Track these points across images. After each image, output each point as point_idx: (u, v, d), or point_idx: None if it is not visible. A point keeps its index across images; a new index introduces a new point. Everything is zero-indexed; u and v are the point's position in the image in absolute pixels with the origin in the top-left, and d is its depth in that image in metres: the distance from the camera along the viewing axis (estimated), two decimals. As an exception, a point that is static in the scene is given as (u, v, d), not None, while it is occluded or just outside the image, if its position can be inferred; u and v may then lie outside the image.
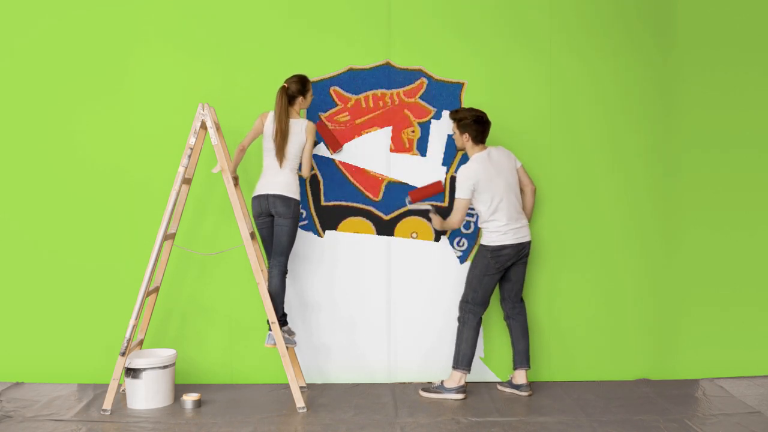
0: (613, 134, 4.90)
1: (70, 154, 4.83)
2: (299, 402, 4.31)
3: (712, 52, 4.90)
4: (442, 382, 4.60)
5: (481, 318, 4.60)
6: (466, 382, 4.58)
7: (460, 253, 4.88)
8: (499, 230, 4.49)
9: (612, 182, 4.90)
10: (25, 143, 4.83)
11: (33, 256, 4.84)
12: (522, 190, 4.64)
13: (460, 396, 4.52)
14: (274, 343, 4.37)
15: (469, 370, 4.56)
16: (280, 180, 4.41)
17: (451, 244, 4.89)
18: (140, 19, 4.80)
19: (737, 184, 4.92)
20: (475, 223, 4.88)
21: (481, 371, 4.87)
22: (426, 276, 4.88)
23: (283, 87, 4.43)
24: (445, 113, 4.81)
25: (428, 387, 4.62)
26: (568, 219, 4.90)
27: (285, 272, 4.48)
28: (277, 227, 4.43)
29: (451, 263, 4.88)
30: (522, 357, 4.63)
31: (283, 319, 4.51)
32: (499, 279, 4.59)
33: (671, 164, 4.92)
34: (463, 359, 4.56)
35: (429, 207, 4.77)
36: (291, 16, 4.82)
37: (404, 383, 4.87)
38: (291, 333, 4.52)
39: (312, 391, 4.69)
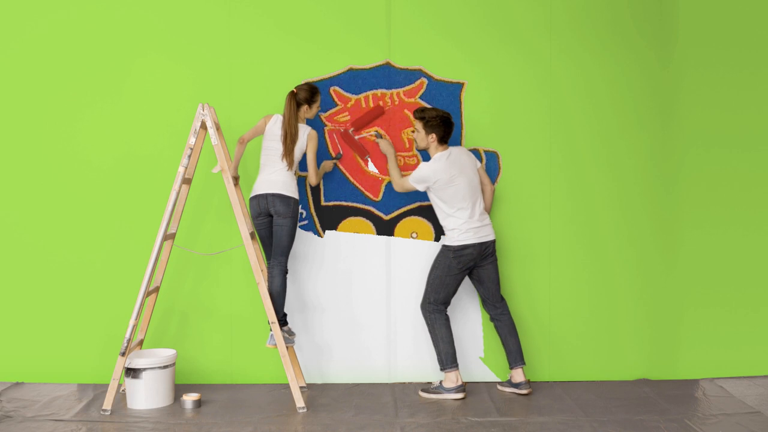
0: (611, 134, 4.90)
1: (71, 154, 4.83)
2: (299, 402, 4.31)
3: (712, 51, 4.90)
4: (440, 382, 4.59)
5: (447, 314, 4.60)
6: (464, 381, 4.58)
7: (460, 253, 4.88)
8: (460, 228, 4.49)
9: (612, 182, 4.90)
10: (25, 143, 4.83)
11: (33, 255, 4.84)
12: (482, 190, 4.64)
13: (459, 395, 4.51)
14: (276, 344, 4.37)
15: (457, 366, 4.55)
16: (278, 179, 4.42)
17: (451, 244, 4.89)
18: (141, 19, 4.81)
19: (738, 184, 4.93)
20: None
21: (481, 371, 4.87)
22: (426, 276, 4.87)
23: (292, 92, 4.46)
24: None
25: (427, 388, 4.62)
26: (567, 219, 4.90)
27: (286, 272, 4.48)
28: (276, 227, 4.43)
29: (451, 263, 4.88)
30: (515, 355, 4.62)
31: (283, 320, 4.51)
32: (462, 279, 4.58)
33: (671, 164, 4.92)
34: (446, 358, 4.55)
35: (374, 132, 4.78)
36: (291, 16, 4.82)
37: (404, 383, 4.87)
38: (291, 333, 4.52)
39: (312, 391, 4.70)
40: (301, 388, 4.66)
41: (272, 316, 4.35)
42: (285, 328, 4.49)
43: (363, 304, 4.90)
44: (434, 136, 4.52)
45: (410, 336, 4.90)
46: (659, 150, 4.91)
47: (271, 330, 4.39)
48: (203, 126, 4.43)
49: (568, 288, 4.92)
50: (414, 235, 4.90)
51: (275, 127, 4.47)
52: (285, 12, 4.82)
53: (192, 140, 4.40)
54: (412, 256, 4.89)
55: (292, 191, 4.44)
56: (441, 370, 4.58)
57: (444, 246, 4.57)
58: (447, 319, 4.60)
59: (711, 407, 4.37)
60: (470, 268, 4.57)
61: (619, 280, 4.93)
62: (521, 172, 4.86)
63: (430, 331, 4.61)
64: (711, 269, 4.93)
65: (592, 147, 4.89)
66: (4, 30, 4.82)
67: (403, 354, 4.90)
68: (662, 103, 4.90)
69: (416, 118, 4.55)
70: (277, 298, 4.43)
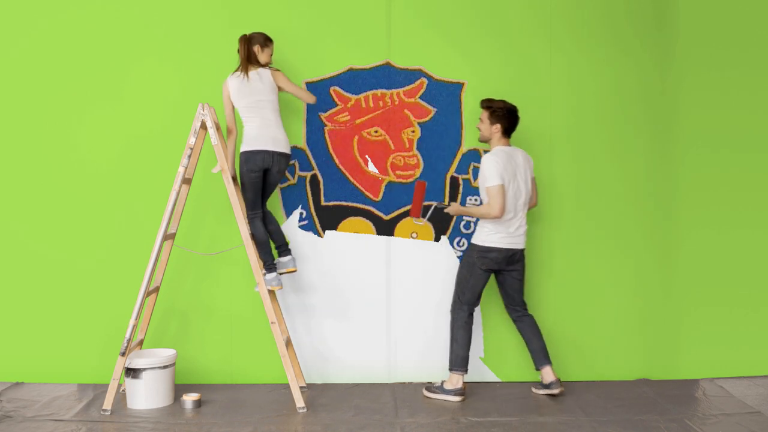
0: (613, 135, 4.90)
1: (71, 154, 4.83)
2: (299, 402, 4.31)
3: (711, 53, 4.90)
4: (442, 382, 4.59)
5: (471, 316, 4.55)
6: (465, 384, 4.57)
7: (460, 253, 4.88)
8: (491, 229, 4.44)
9: (611, 182, 4.91)
10: (25, 143, 4.83)
11: (33, 256, 4.84)
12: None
13: (457, 398, 4.49)
14: (280, 285, 4.45)
15: (465, 371, 4.52)
16: (281, 136, 4.44)
17: (451, 244, 4.89)
18: (141, 19, 4.81)
19: (739, 185, 4.93)
20: (476, 223, 4.87)
21: (481, 371, 4.87)
22: (426, 276, 4.88)
23: (246, 36, 4.47)
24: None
25: (430, 386, 4.62)
26: (567, 219, 4.90)
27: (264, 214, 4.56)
28: (274, 181, 4.50)
29: (451, 263, 4.88)
30: (539, 355, 4.56)
31: (285, 247, 4.55)
32: (486, 280, 4.54)
33: (672, 164, 4.92)
34: (456, 360, 4.52)
35: (433, 203, 4.76)
36: (291, 16, 4.82)
37: (404, 383, 4.87)
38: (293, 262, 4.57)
39: (312, 391, 4.70)
40: (301, 388, 4.67)
41: (272, 316, 4.35)
42: (290, 256, 4.54)
43: (363, 304, 4.89)
44: (499, 126, 4.46)
45: (410, 336, 4.90)
46: (659, 150, 4.91)
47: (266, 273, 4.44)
48: (203, 126, 4.43)
49: (568, 288, 4.92)
50: (414, 235, 4.90)
51: (240, 81, 4.39)
52: (285, 12, 4.82)
53: (192, 140, 4.40)
54: (412, 256, 4.89)
55: (289, 147, 4.52)
56: (449, 369, 4.55)
57: (471, 243, 4.54)
58: (468, 321, 4.53)
59: (711, 407, 4.37)
60: (494, 270, 4.52)
61: (619, 279, 4.93)
62: (521, 172, 4.87)
63: (450, 330, 4.59)
64: (711, 269, 4.93)
65: (592, 147, 4.89)
66: (4, 31, 4.82)
67: (403, 354, 4.90)
68: (662, 104, 4.90)
69: (483, 107, 4.50)
70: (266, 244, 4.48)
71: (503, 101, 4.50)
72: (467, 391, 4.63)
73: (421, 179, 4.86)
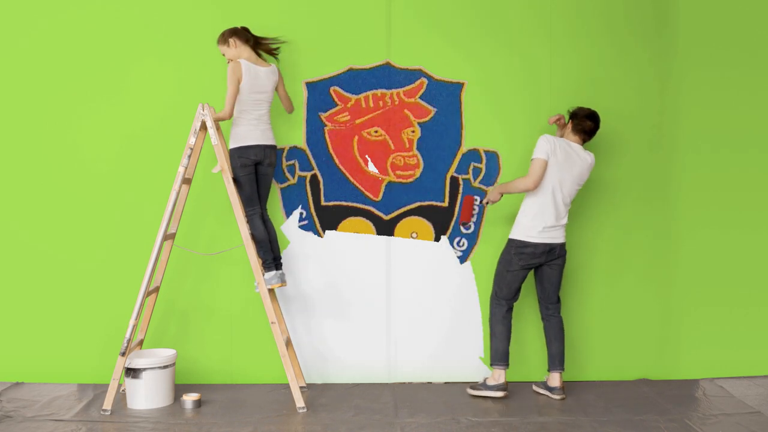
0: (612, 134, 4.90)
1: (71, 154, 4.83)
2: (299, 402, 4.31)
3: (714, 52, 4.90)
4: (485, 379, 4.57)
5: (509, 310, 4.55)
6: (506, 381, 4.54)
7: (460, 253, 4.89)
8: (528, 225, 4.42)
9: (611, 181, 4.91)
10: (25, 143, 4.83)
11: (33, 256, 4.84)
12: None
13: (499, 394, 4.48)
14: (280, 282, 4.45)
15: (506, 365, 4.50)
16: (269, 131, 4.50)
17: (451, 244, 4.89)
18: (141, 19, 4.81)
19: (739, 185, 4.93)
20: (476, 223, 4.88)
21: (481, 371, 4.87)
22: (426, 276, 4.88)
23: (245, 31, 4.50)
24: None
25: (474, 384, 4.60)
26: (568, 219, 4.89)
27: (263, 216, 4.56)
28: (265, 176, 4.53)
29: (451, 263, 4.88)
30: (555, 359, 4.56)
31: (278, 262, 4.52)
32: (524, 276, 4.52)
33: (673, 164, 4.92)
34: (495, 355, 4.52)
35: (482, 203, 4.78)
36: (291, 16, 4.82)
37: (404, 383, 4.87)
38: (283, 279, 4.52)
39: (312, 391, 4.70)
40: (301, 388, 4.67)
41: (272, 316, 4.35)
42: (280, 271, 4.49)
43: (363, 304, 4.89)
44: (570, 124, 4.49)
45: (410, 336, 4.90)
46: (659, 150, 4.91)
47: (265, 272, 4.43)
48: (203, 126, 4.43)
49: (567, 288, 4.91)
50: (414, 235, 4.90)
51: (253, 75, 4.39)
52: (285, 12, 4.82)
53: (192, 140, 4.40)
54: (412, 256, 4.89)
55: (274, 139, 4.57)
56: (490, 364, 4.56)
57: (509, 239, 4.52)
58: (506, 316, 4.54)
59: (711, 407, 4.37)
60: (533, 266, 4.51)
61: (619, 279, 4.92)
62: (521, 173, 4.85)
63: (489, 325, 4.59)
64: (711, 269, 4.93)
65: (592, 146, 4.89)
66: (4, 31, 4.82)
67: (403, 354, 4.90)
68: (662, 104, 4.90)
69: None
70: (265, 242, 4.45)
71: (587, 108, 4.52)
72: (507, 388, 4.61)
73: (421, 179, 4.86)
